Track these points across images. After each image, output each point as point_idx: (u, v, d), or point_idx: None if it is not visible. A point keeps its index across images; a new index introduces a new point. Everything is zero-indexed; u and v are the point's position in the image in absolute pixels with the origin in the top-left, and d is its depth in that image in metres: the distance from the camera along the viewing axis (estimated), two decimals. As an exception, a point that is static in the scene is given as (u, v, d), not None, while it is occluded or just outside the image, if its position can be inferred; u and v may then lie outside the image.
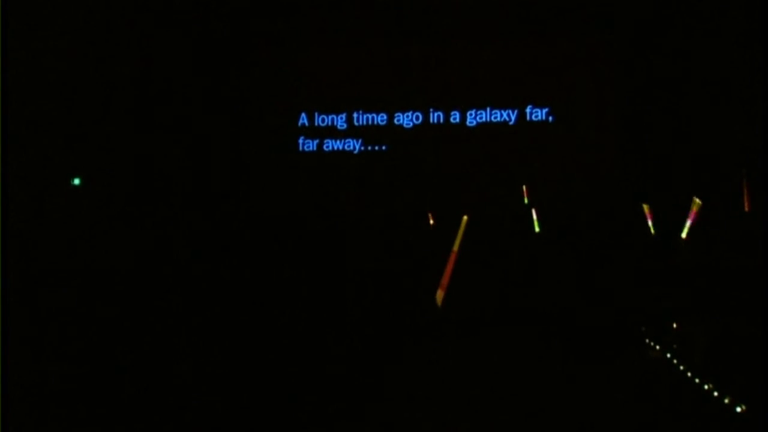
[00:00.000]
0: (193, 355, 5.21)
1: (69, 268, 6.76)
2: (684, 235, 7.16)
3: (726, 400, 4.24)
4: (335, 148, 10.07)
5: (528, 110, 9.65)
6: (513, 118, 9.69)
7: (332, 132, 10.10)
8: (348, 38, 9.92)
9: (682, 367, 4.93)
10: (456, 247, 6.48)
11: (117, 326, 5.62)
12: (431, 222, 9.30)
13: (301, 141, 10.15)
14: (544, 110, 9.58)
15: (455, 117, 9.86)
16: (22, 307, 5.33)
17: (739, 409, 4.11)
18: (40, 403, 4.38)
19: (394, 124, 9.99)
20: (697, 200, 7.12)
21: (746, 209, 7.38)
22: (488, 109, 9.77)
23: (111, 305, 6.05)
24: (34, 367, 4.82)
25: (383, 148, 9.99)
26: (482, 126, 9.78)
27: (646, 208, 7.95)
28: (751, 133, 7.60)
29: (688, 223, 7.13)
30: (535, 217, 8.70)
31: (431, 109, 9.91)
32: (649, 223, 7.85)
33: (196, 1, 9.72)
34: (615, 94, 9.36)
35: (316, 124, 10.14)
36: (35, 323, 5.36)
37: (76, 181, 7.37)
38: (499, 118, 9.72)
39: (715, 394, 4.42)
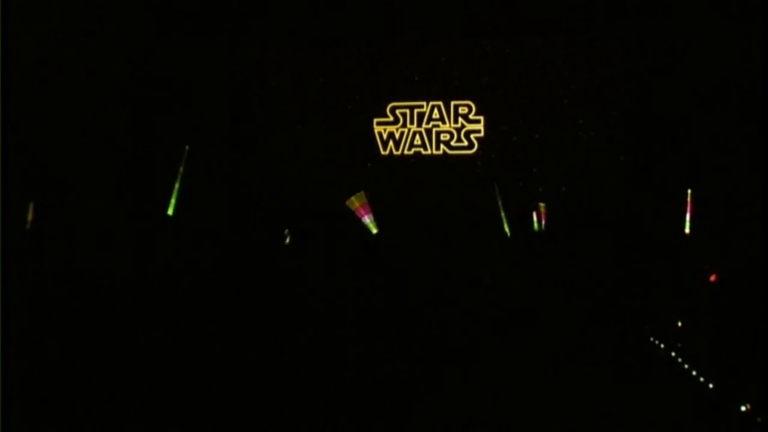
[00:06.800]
0: (197, 357, 5.18)
1: (69, 268, 6.74)
2: (687, 230, 7.16)
3: (731, 399, 4.24)
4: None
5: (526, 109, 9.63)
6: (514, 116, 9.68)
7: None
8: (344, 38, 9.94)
9: (686, 366, 4.93)
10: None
11: (117, 327, 5.60)
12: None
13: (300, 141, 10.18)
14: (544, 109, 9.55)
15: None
16: (22, 307, 5.31)
17: (743, 408, 4.10)
18: (40, 403, 4.36)
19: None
20: (690, 191, 7.12)
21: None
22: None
23: (111, 306, 6.03)
24: (34, 367, 4.80)
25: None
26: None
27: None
28: (752, 131, 7.60)
29: (688, 217, 7.13)
30: (535, 217, 8.68)
31: (432, 105, 9.90)
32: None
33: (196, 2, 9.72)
34: (619, 94, 9.33)
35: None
36: (35, 323, 5.34)
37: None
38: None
39: (720, 393, 4.42)
